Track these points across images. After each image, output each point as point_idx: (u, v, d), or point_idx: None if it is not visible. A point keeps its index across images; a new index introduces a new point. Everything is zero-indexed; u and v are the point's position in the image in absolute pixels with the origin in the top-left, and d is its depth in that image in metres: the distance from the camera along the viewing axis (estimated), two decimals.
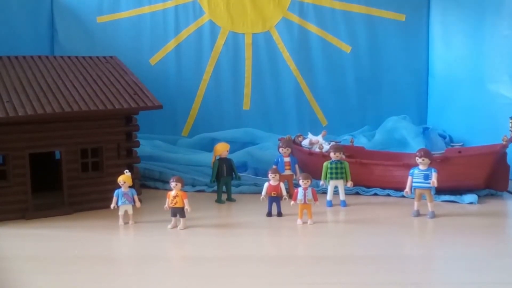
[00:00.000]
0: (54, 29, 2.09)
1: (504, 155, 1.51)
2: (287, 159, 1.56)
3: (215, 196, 1.55)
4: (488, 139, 1.62)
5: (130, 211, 1.36)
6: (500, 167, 1.51)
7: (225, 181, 1.54)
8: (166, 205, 1.32)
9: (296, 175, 1.55)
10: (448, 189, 1.50)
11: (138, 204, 1.37)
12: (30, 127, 1.39)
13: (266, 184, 1.41)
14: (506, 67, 1.75)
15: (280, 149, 1.57)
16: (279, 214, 1.40)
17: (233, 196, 1.56)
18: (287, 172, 1.55)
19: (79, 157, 1.44)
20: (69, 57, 1.66)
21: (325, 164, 1.50)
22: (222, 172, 1.53)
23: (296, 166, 1.57)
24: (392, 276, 1.03)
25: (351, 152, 1.67)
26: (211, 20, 2.12)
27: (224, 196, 1.55)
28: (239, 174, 1.58)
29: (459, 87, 2.01)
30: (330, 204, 1.49)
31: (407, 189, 1.40)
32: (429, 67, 2.21)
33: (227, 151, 1.55)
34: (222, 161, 1.54)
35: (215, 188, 1.58)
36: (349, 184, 1.49)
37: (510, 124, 1.48)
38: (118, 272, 1.09)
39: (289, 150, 1.57)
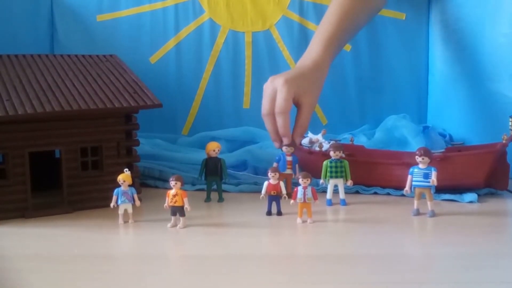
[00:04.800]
0: (54, 27, 2.08)
1: (504, 154, 1.51)
2: (289, 158, 1.56)
3: (215, 195, 1.55)
4: (488, 138, 1.62)
5: (130, 210, 1.36)
6: (500, 166, 1.51)
7: (212, 180, 1.54)
8: (165, 204, 1.32)
9: (295, 174, 1.56)
10: (448, 188, 1.50)
11: (138, 203, 1.37)
12: (29, 125, 1.39)
13: (265, 183, 1.41)
14: (506, 66, 1.75)
15: (283, 148, 1.57)
16: (279, 213, 1.40)
17: (228, 195, 1.56)
18: (288, 171, 1.55)
19: (78, 155, 1.44)
20: (69, 55, 1.66)
21: (324, 163, 1.50)
22: (209, 172, 1.54)
23: (296, 165, 1.57)
24: (392, 274, 1.03)
25: (351, 151, 1.67)
26: (211, 19, 2.12)
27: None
28: (228, 174, 1.57)
29: (459, 86, 2.01)
30: (330, 203, 1.49)
31: (407, 188, 1.40)
32: (429, 66, 2.20)
33: (215, 150, 1.54)
34: (209, 160, 1.54)
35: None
36: (349, 183, 1.49)
37: (510, 123, 1.48)
38: (118, 270, 1.09)
39: (293, 149, 1.57)
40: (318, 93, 1.66)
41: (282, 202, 1.40)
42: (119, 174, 1.36)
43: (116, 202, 1.35)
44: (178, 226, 1.31)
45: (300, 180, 1.34)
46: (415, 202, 1.39)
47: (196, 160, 1.73)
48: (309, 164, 1.65)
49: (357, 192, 1.60)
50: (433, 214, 1.37)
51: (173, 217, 1.32)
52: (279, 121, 1.55)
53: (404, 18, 2.18)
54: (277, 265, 1.09)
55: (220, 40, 2.12)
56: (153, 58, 2.11)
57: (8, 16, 2.00)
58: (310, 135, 1.76)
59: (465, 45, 1.97)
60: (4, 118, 1.32)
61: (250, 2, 2.12)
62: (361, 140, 1.98)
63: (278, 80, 1.57)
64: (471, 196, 1.49)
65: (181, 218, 1.31)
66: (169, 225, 1.32)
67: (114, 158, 1.48)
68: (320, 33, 1.74)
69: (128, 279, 1.04)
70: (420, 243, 1.25)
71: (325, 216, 1.42)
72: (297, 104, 1.60)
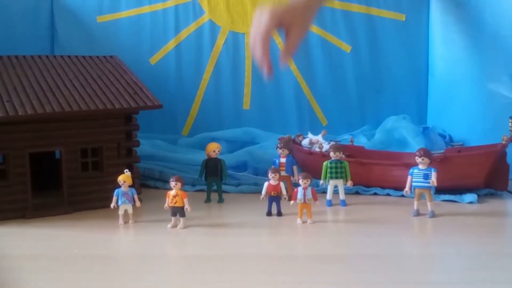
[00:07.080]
0: (54, 28, 2.08)
1: (504, 154, 1.51)
2: (282, 160, 1.55)
3: (215, 196, 1.55)
4: (488, 139, 1.62)
5: (130, 211, 1.36)
6: (500, 166, 1.51)
7: (212, 181, 1.54)
8: (166, 205, 1.32)
9: (293, 176, 1.54)
10: (448, 188, 1.50)
11: (138, 203, 1.38)
12: (30, 126, 1.39)
13: (266, 184, 1.41)
14: (506, 66, 1.75)
15: (278, 149, 1.56)
16: (279, 213, 1.40)
17: (229, 195, 1.56)
18: (282, 174, 1.54)
19: (79, 156, 1.45)
20: (69, 56, 1.66)
21: (324, 163, 1.50)
22: (209, 172, 1.54)
23: (294, 167, 1.55)
24: (391, 275, 1.03)
25: (351, 152, 1.67)
26: (211, 20, 2.12)
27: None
28: (228, 175, 1.58)
29: (459, 87, 2.01)
30: (329, 203, 1.49)
31: (407, 188, 1.40)
32: (429, 67, 2.21)
33: (215, 151, 1.54)
34: (209, 161, 1.55)
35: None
36: (349, 183, 1.49)
37: (510, 123, 1.49)
38: (118, 271, 1.09)
39: (286, 151, 1.56)
40: (310, 20, 1.52)
41: (282, 202, 1.40)
42: (119, 175, 1.36)
43: (116, 202, 1.35)
44: (178, 227, 1.31)
45: (300, 181, 1.34)
46: (415, 202, 1.39)
47: (196, 161, 1.73)
48: (309, 165, 1.65)
49: (357, 193, 1.60)
50: (433, 215, 1.37)
51: (173, 218, 1.32)
52: (257, 40, 1.37)
53: (404, 19, 2.18)
54: (277, 265, 1.09)
55: (220, 41, 2.12)
56: (153, 59, 2.11)
57: (8, 17, 2.01)
58: (310, 135, 1.76)
59: (465, 45, 1.97)
60: (5, 118, 1.32)
61: (250, 3, 2.12)
62: (361, 141, 1.98)
63: (266, 9, 1.41)
64: (471, 196, 1.49)
65: (181, 219, 1.32)
66: (169, 225, 1.32)
67: (114, 158, 1.48)
68: None
69: (128, 279, 1.04)
70: (420, 243, 1.25)
71: (325, 216, 1.42)
72: (287, 29, 1.42)
